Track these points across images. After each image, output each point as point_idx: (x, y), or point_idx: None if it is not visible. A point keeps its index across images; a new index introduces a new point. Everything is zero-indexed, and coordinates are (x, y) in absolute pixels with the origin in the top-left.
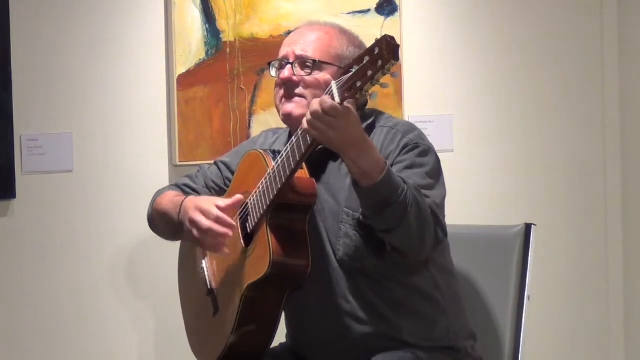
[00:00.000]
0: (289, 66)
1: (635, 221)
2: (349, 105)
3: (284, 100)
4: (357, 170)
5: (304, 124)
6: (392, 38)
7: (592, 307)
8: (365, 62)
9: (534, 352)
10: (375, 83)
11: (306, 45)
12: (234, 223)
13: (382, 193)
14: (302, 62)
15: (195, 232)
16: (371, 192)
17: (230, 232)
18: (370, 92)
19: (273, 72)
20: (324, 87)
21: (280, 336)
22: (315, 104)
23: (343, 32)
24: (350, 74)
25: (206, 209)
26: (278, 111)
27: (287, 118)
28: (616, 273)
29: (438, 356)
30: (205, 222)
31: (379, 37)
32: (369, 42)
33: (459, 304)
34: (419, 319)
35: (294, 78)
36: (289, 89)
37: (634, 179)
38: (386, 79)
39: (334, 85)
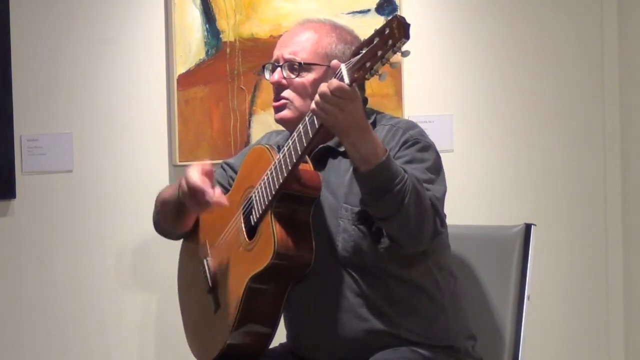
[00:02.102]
0: (278, 69)
1: (635, 221)
2: (355, 89)
3: (276, 105)
4: (357, 154)
5: (313, 106)
6: (403, 17)
7: (592, 307)
8: (375, 42)
9: (534, 352)
10: (385, 62)
11: (295, 47)
12: (200, 185)
13: (381, 178)
14: (291, 64)
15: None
16: (370, 177)
17: (203, 188)
18: (380, 72)
19: (267, 75)
20: (312, 87)
21: (280, 336)
22: (324, 86)
23: (334, 29)
24: (360, 55)
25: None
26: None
27: (281, 122)
28: (616, 273)
29: (438, 355)
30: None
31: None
32: None
33: (459, 304)
34: (418, 316)
35: (283, 81)
36: (279, 91)
37: (634, 179)
38: (396, 58)
39: (343, 67)
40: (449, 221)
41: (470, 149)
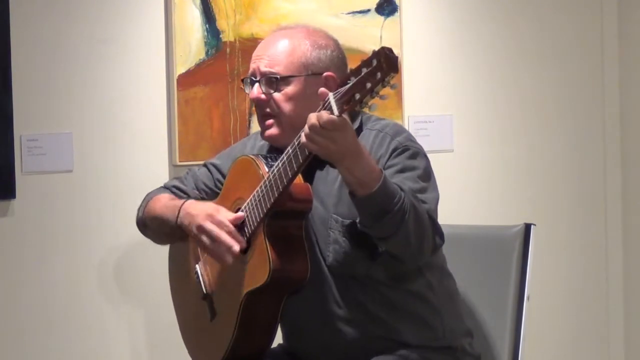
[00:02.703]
0: (257, 85)
1: (635, 221)
2: (345, 117)
3: (260, 122)
4: (353, 179)
5: (303, 139)
6: (390, 50)
7: (592, 307)
8: (363, 74)
9: (534, 352)
10: (374, 95)
11: (270, 59)
12: (243, 240)
13: (379, 202)
14: (268, 79)
15: (205, 239)
16: (368, 201)
17: (240, 246)
18: (369, 104)
19: (246, 89)
20: (292, 101)
21: (280, 337)
22: (313, 119)
23: (308, 35)
24: (348, 86)
25: (220, 220)
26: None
27: (268, 140)
28: (616, 273)
29: (436, 356)
30: (219, 233)
31: (376, 49)
32: (368, 42)
33: (454, 302)
34: (413, 320)
35: (262, 97)
36: (260, 108)
37: (634, 179)
38: (385, 90)
39: (331, 98)
40: (448, 221)
41: (470, 149)
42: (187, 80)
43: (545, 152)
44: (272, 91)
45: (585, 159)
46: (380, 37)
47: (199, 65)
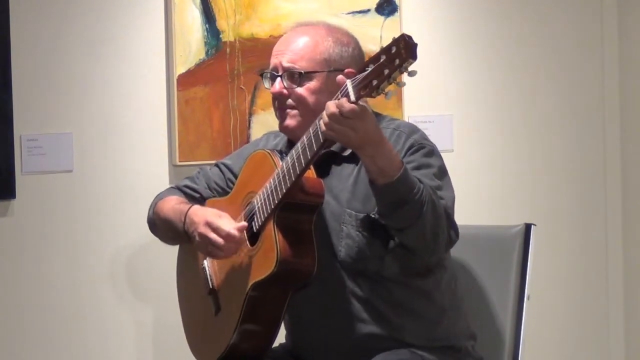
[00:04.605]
0: (278, 79)
1: (635, 221)
2: (365, 104)
3: (279, 114)
4: (375, 168)
5: (322, 128)
6: (410, 37)
7: (592, 307)
8: (381, 60)
9: (534, 352)
10: (392, 81)
11: (293, 55)
12: (244, 238)
13: (399, 191)
14: (291, 74)
15: (207, 246)
16: (388, 190)
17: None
18: (386, 90)
19: (266, 83)
20: (314, 95)
21: (280, 337)
22: (332, 107)
23: (330, 32)
24: (366, 72)
25: (217, 227)
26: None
27: (285, 131)
28: (616, 273)
29: (439, 356)
30: (219, 241)
31: (395, 36)
32: (368, 42)
33: (460, 304)
34: (420, 319)
35: (284, 92)
36: (281, 102)
37: (634, 179)
38: (402, 77)
39: (349, 84)
40: None
41: (470, 149)
42: (187, 80)
43: (545, 152)
44: (294, 86)
45: (585, 159)
46: (381, 37)
47: (199, 65)
